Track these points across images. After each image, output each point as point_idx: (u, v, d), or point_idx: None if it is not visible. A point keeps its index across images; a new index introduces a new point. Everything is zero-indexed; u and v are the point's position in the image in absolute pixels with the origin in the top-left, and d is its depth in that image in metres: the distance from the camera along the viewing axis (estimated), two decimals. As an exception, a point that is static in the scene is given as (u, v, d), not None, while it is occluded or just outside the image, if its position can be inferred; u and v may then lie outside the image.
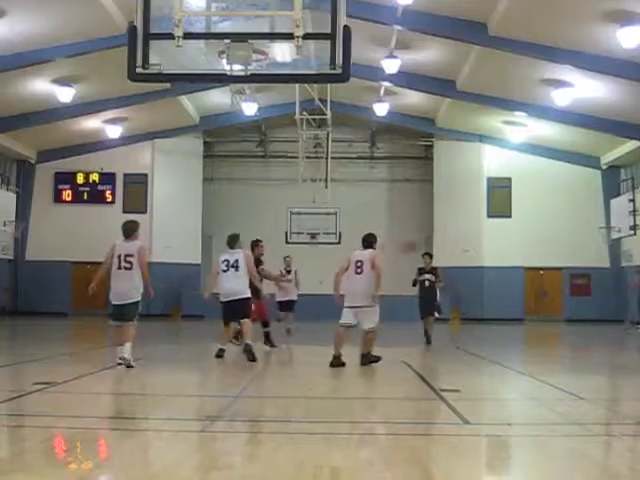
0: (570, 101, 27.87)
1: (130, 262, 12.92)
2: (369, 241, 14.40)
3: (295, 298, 22.36)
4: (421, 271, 20.71)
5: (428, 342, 19.55)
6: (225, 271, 14.77)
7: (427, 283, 20.42)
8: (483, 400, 10.69)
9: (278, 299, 21.87)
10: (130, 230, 13.45)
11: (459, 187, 36.69)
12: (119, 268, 12.90)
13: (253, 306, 15.84)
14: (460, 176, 36.72)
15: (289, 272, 21.96)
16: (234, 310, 14.74)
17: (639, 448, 7.35)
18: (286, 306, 22.09)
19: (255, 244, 17.51)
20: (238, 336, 16.20)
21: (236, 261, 14.75)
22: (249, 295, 14.97)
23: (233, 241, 15.20)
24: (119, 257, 12.96)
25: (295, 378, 13.23)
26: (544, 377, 12.59)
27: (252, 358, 14.24)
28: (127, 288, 12.88)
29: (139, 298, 13.01)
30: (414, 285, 20.68)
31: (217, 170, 38.69)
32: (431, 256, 21.74)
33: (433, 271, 20.72)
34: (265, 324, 17.77)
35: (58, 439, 7.45)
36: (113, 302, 13.02)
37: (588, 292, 36.24)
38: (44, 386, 10.37)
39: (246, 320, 14.76)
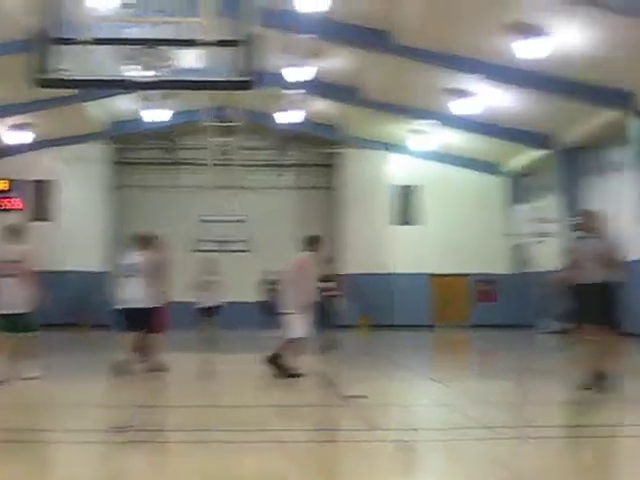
0: (475, 110, 28.31)
1: (15, 268, 12.29)
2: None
3: (219, 303, 21.14)
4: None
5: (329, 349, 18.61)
6: (127, 276, 13.60)
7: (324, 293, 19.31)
8: (392, 406, 10.76)
9: (198, 306, 20.74)
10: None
11: (365, 195, 36.92)
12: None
13: (153, 316, 14.63)
14: (366, 184, 36.95)
15: (212, 275, 21.11)
16: (134, 320, 13.50)
17: (546, 450, 7.48)
18: (207, 313, 20.84)
19: (155, 244, 15.45)
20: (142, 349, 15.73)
21: (139, 264, 13.55)
22: (149, 305, 13.60)
23: (139, 241, 14.01)
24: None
25: (205, 387, 13.13)
26: (452, 382, 12.76)
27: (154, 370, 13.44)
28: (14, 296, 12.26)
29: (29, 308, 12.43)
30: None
31: (127, 177, 38.28)
32: (332, 260, 20.21)
33: (332, 278, 19.49)
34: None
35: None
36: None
37: (494, 298, 36.81)
38: None
39: (142, 333, 13.55)
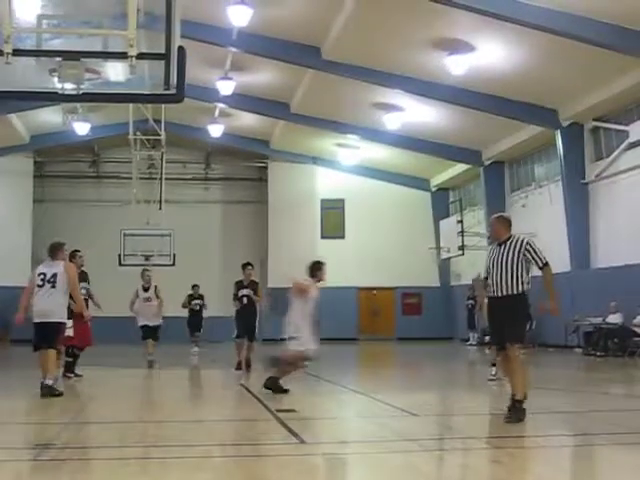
0: (401, 125, 28.56)
1: None
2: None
3: (159, 322, 19.88)
4: (239, 285, 18.21)
5: (247, 370, 17.54)
6: (40, 286, 12.55)
7: (245, 300, 17.99)
8: (319, 419, 10.76)
9: (140, 323, 19.64)
10: None
11: (293, 208, 36.99)
12: None
13: (73, 329, 14.33)
14: (294, 198, 37.04)
15: (147, 290, 19.88)
16: (43, 335, 12.56)
17: (470, 462, 7.53)
18: (148, 332, 19.52)
19: (72, 255, 14.96)
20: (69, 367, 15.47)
21: (54, 275, 12.60)
22: (62, 319, 12.73)
23: (54, 251, 13.00)
24: None
25: (130, 403, 12.97)
26: (377, 395, 12.80)
27: (52, 394, 12.23)
28: None
29: None
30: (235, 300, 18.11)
31: (49, 191, 37.78)
32: (252, 266, 18.78)
33: (253, 285, 18.27)
34: (79, 349, 15.78)
35: None
36: None
37: (419, 311, 37.11)
38: None
39: (50, 351, 12.50)
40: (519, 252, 9.67)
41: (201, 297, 26.24)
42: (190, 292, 26.24)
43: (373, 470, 7.17)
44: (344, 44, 23.44)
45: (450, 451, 8.13)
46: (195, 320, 26.20)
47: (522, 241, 9.80)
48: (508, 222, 10.12)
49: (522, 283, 9.64)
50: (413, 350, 30.16)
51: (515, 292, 9.63)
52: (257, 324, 18.27)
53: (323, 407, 12.28)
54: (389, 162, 35.36)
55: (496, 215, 10.38)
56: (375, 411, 11.32)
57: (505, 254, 9.72)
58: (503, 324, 9.67)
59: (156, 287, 19.99)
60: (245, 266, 18.46)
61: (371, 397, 12.79)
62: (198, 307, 26.22)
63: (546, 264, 9.70)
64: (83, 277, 15.59)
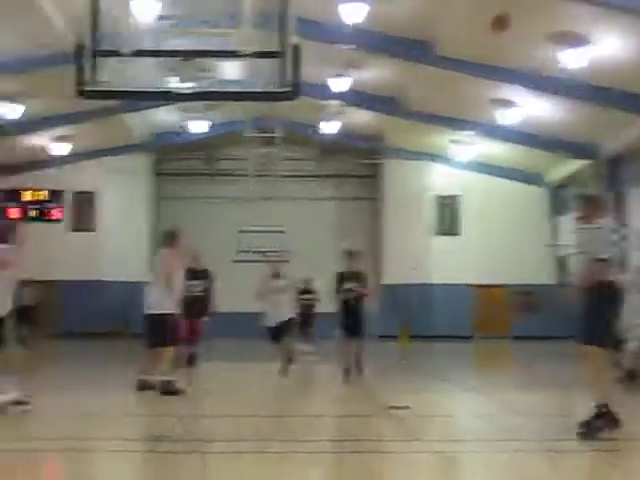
0: (517, 120, 28.16)
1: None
2: None
3: (292, 315, 16.64)
4: (342, 277, 15.17)
5: (358, 372, 14.81)
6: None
7: (352, 294, 14.97)
8: (433, 417, 10.72)
9: (267, 324, 16.07)
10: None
11: (407, 205, 36.84)
12: None
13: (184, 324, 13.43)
14: (408, 194, 36.89)
15: (277, 276, 16.46)
16: (148, 329, 12.06)
17: (584, 463, 7.41)
18: (279, 331, 15.95)
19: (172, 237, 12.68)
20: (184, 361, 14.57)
21: (155, 265, 12.36)
22: (164, 310, 11.86)
23: (167, 239, 12.47)
24: None
25: (242, 397, 13.08)
26: (492, 393, 12.69)
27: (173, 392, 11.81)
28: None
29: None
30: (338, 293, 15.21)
31: (166, 188, 38.45)
32: (356, 255, 15.59)
33: (359, 277, 15.25)
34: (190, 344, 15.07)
35: None
36: None
37: (535, 310, 36.55)
38: None
39: (160, 349, 11.85)
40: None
41: (311, 291, 23.71)
42: (300, 286, 22.19)
43: (486, 469, 7.12)
44: (459, 40, 23.22)
45: (564, 452, 8.00)
46: (306, 315, 23.34)
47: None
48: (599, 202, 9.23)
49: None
50: (529, 348, 29.74)
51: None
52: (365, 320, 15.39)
53: (437, 405, 12.23)
54: (505, 158, 34.92)
55: (586, 195, 9.48)
56: (490, 410, 11.23)
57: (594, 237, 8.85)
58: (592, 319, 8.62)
59: (286, 277, 16.71)
60: (347, 254, 15.54)
61: (486, 395, 12.69)
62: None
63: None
64: (195, 274, 15.08)
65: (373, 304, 15.14)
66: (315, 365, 19.16)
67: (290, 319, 16.33)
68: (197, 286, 15.35)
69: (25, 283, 10.82)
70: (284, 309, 16.08)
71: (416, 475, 6.91)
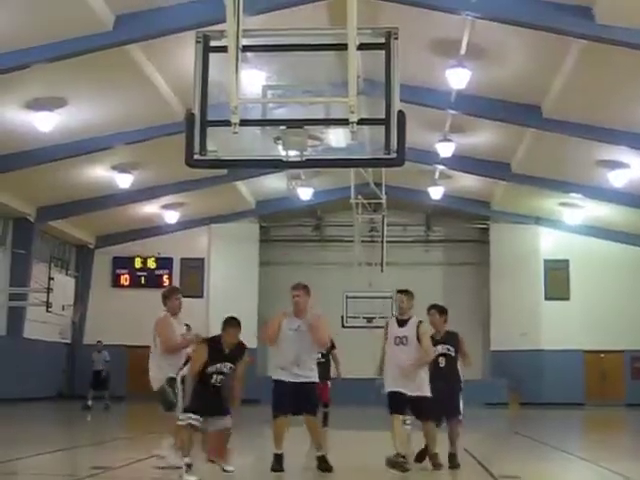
0: (626, 182, 27.75)
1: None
2: None
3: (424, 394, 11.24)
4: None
5: (451, 465, 11.27)
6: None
7: (443, 361, 11.75)
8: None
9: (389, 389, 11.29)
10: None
11: (516, 269, 36.47)
12: None
13: None
14: (516, 258, 36.53)
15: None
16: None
17: None
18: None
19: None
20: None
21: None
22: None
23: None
24: None
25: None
26: (607, 464, 12.31)
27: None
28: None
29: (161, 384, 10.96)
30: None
31: (273, 254, 38.85)
32: (443, 312, 12.68)
33: (451, 339, 12.16)
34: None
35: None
36: None
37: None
38: (100, 470, 10.34)
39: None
40: None
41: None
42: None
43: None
44: (565, 102, 23.08)
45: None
46: None
47: None
48: None
49: None
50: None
51: None
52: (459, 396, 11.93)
53: (549, 474, 11.94)
54: (614, 220, 34.37)
55: None
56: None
57: None
58: None
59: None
60: (431, 310, 12.81)
61: (598, 465, 12.32)
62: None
63: None
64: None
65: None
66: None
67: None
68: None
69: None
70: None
71: None
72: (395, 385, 11.02)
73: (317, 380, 11.18)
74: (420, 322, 11.63)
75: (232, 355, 9.97)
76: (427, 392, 11.01)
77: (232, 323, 10.06)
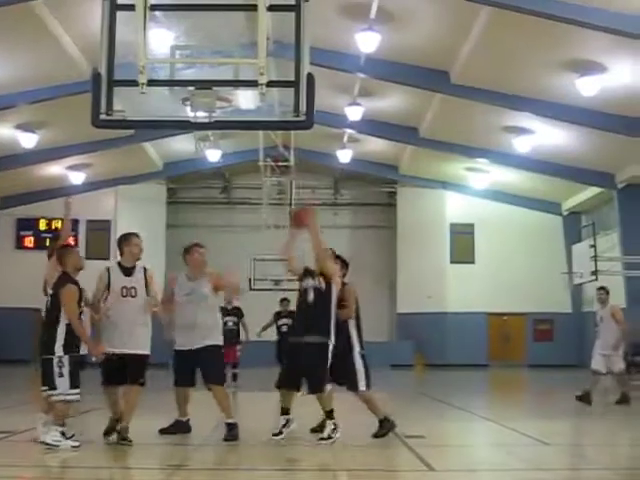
0: (531, 148, 28.18)
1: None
2: None
3: None
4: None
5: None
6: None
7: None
8: (448, 446, 10.66)
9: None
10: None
11: (422, 233, 36.85)
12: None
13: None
14: (423, 222, 36.91)
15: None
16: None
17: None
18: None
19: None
20: None
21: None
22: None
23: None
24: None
25: (259, 423, 12.94)
26: (509, 423, 12.58)
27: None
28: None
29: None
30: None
31: (181, 216, 38.59)
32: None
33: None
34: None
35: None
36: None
37: (551, 337, 36.41)
38: (6, 435, 10.22)
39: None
40: None
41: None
42: (278, 309, 21.26)
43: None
44: (473, 68, 23.31)
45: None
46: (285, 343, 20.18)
47: None
48: None
49: None
50: (545, 377, 29.59)
51: None
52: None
53: (452, 434, 12.16)
54: (519, 186, 34.93)
55: None
56: (505, 439, 11.16)
57: None
58: None
59: None
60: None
61: (501, 424, 12.60)
62: (286, 328, 19.97)
63: None
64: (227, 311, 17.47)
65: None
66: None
67: None
68: (229, 321, 18.81)
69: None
70: None
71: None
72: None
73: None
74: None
75: None
76: None
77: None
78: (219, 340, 10.84)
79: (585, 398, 15.64)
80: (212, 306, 11.08)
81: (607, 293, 16.64)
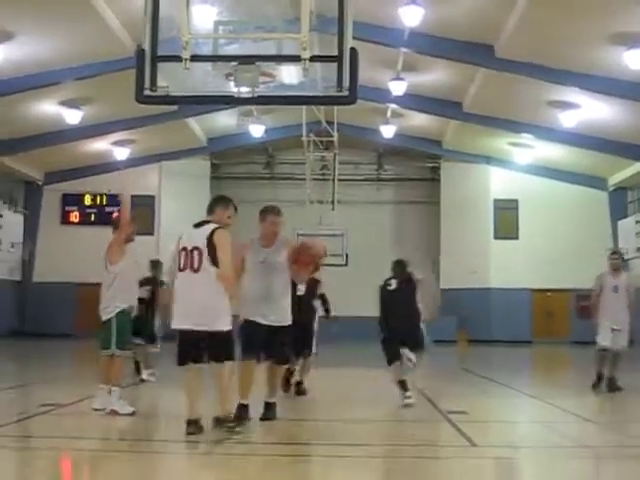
0: (576, 123, 27.90)
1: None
2: None
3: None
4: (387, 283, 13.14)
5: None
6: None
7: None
8: (490, 422, 10.65)
9: None
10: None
11: (466, 209, 36.67)
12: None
13: None
14: (467, 198, 36.71)
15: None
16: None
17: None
18: None
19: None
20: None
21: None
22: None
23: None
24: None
25: (301, 402, 13.00)
26: (552, 399, 12.54)
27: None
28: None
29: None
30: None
31: (224, 191, 38.39)
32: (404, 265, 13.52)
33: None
34: None
35: (64, 461, 7.43)
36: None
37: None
38: (50, 408, 10.35)
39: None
40: None
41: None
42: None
43: (544, 477, 7.04)
44: (518, 42, 23.08)
45: (626, 459, 7.88)
46: None
47: None
48: None
49: None
50: (588, 354, 29.32)
51: None
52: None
53: (495, 410, 12.14)
54: (564, 161, 34.61)
55: None
56: (547, 416, 11.12)
57: None
58: None
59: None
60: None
61: (544, 401, 12.56)
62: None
63: None
64: None
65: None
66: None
67: None
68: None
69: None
70: None
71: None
72: None
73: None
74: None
75: None
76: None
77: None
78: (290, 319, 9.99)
79: (601, 385, 14.32)
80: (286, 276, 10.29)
81: (623, 260, 15.60)
